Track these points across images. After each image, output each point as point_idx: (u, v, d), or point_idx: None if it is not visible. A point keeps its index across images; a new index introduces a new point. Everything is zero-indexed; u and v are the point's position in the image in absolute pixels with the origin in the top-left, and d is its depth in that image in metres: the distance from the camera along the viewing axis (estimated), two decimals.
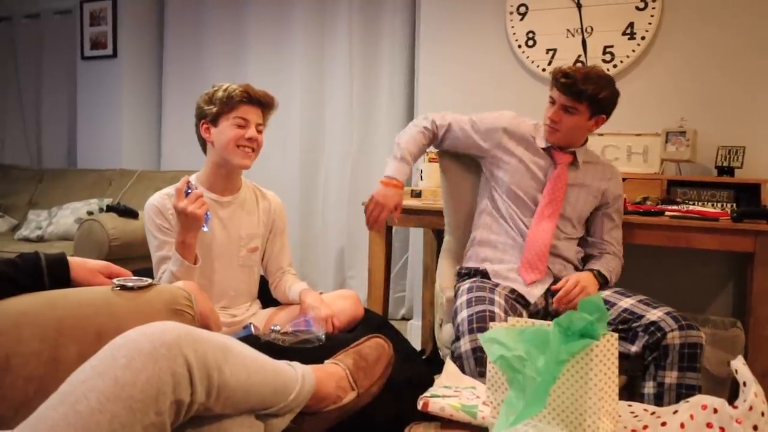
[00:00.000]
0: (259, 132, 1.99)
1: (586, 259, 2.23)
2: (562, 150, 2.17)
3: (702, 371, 1.84)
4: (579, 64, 3.06)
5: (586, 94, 2.01)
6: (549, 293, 2.08)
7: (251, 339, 1.65)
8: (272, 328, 1.76)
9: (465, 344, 1.76)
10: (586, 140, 2.20)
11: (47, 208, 4.06)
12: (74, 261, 1.35)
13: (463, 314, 1.87)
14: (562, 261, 2.15)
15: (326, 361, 1.42)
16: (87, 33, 4.65)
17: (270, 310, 2.12)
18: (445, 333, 2.14)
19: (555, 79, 2.06)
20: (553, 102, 2.10)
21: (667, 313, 1.87)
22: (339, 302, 2.01)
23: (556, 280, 2.10)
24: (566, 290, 2.02)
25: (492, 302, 1.89)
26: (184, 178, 1.87)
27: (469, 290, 2.00)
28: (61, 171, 4.63)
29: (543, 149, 2.19)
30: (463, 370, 1.69)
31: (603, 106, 2.07)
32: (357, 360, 1.42)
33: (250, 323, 1.91)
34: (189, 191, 1.80)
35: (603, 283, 2.11)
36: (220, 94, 1.95)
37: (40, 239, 3.75)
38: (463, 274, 2.23)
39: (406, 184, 2.80)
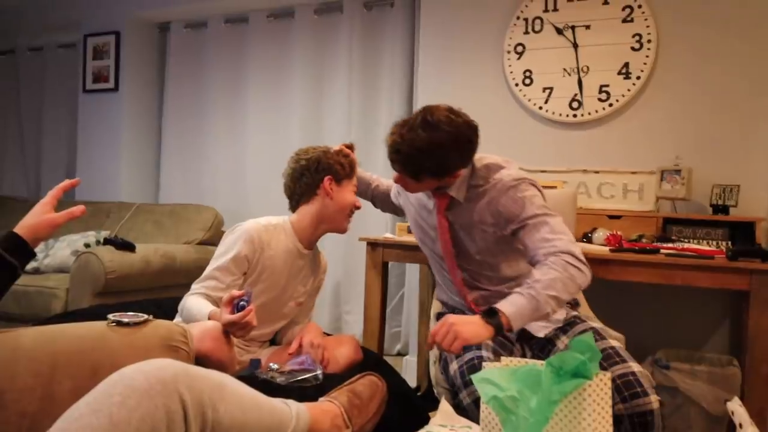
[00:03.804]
0: None
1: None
2: (439, 191, 1.93)
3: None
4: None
5: (412, 173, 1.82)
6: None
7: (248, 377, 1.65)
8: (270, 366, 1.76)
9: (465, 398, 1.70)
10: (459, 173, 1.87)
11: (44, 240, 4.05)
12: (24, 227, 1.43)
13: (453, 366, 1.78)
14: (508, 281, 1.98)
15: (320, 399, 1.42)
16: (89, 66, 4.72)
17: (275, 347, 2.12)
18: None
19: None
20: None
21: (619, 376, 1.65)
22: (338, 347, 2.01)
23: None
24: (435, 341, 1.64)
25: (479, 345, 1.77)
26: (236, 291, 1.61)
27: None
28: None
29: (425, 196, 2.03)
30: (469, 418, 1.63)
31: (441, 172, 1.81)
32: (351, 398, 1.42)
33: (258, 358, 1.91)
34: (243, 303, 1.58)
35: (499, 326, 1.60)
36: (343, 159, 2.04)
37: (36, 271, 3.73)
38: (443, 314, 2.15)
39: (401, 220, 2.79)
